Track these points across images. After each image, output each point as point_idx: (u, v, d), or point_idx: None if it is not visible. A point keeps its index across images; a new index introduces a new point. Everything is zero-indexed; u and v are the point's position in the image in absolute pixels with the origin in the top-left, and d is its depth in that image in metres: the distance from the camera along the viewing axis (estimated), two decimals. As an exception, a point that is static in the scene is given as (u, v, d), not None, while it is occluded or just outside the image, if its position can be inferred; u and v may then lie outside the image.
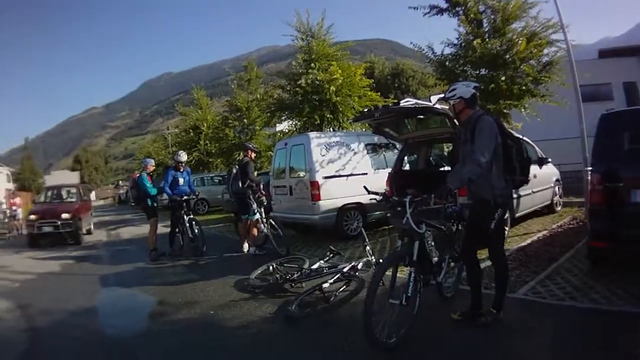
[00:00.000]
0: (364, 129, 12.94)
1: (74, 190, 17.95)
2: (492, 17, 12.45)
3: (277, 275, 6.43)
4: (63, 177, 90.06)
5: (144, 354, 4.65)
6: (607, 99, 22.78)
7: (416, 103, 7.67)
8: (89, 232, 17.20)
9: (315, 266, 6.77)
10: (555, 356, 3.80)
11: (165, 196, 10.56)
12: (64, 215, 14.30)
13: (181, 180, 10.02)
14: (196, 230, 9.78)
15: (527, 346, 3.94)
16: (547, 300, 5.00)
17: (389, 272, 4.34)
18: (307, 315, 5.27)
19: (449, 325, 4.49)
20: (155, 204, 10.29)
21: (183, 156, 10.35)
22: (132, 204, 32.09)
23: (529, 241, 8.05)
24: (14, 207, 20.87)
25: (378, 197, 4.98)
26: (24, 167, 68.15)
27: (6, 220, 19.90)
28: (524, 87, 11.92)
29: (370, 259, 6.38)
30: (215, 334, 5.05)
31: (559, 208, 11.38)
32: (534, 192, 9.29)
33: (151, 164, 10.82)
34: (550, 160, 9.96)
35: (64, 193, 17.66)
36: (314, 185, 9.70)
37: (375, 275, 4.23)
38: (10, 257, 12.44)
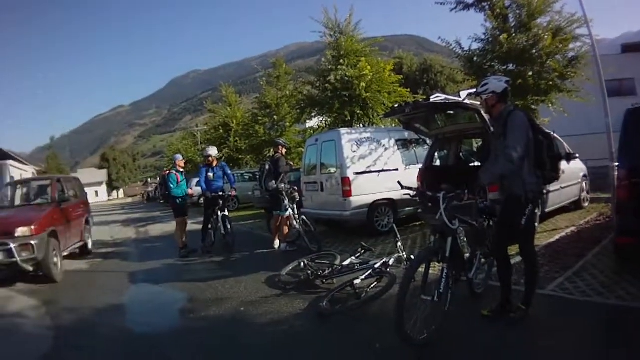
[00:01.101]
0: (394, 125, 12.83)
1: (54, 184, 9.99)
2: (518, 12, 12.65)
3: (309, 272, 6.42)
4: (90, 175, 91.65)
5: (174, 350, 4.65)
6: (630, 94, 22.32)
7: (446, 98, 7.61)
8: (85, 252, 11.25)
9: (346, 262, 6.71)
10: (582, 353, 3.76)
11: (195, 194, 10.55)
12: (20, 232, 7.74)
13: (211, 175, 9.93)
14: (228, 227, 9.78)
15: (555, 343, 3.88)
16: (575, 296, 4.95)
17: (420, 268, 4.27)
18: (338, 311, 5.24)
19: (478, 322, 4.47)
20: (183, 203, 10.24)
21: (210, 150, 10.31)
22: (161, 201, 32.63)
23: (557, 237, 7.93)
24: None
25: (412, 193, 4.95)
26: (50, 166, 68.94)
27: None
28: (550, 83, 11.87)
29: (401, 255, 6.33)
30: (245, 330, 5.06)
31: (586, 204, 11.19)
32: (562, 188, 9.14)
33: (179, 159, 10.72)
34: (577, 155, 9.77)
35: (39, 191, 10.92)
36: (345, 181, 9.64)
37: (408, 271, 4.23)
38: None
